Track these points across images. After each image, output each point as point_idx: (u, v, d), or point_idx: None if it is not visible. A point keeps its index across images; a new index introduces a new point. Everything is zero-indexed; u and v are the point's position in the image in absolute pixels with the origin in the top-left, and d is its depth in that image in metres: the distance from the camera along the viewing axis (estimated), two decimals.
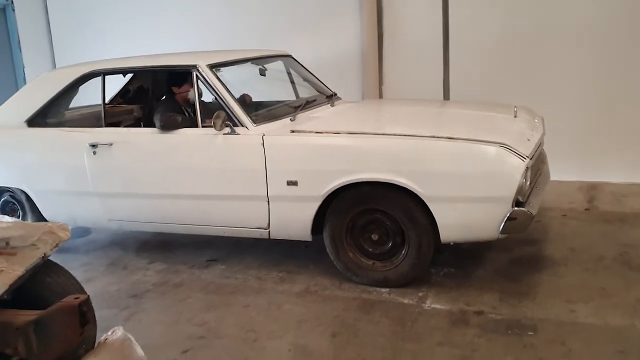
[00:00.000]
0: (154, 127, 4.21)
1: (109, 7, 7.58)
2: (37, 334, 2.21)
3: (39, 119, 4.59)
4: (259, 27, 6.83)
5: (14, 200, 4.86)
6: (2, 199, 4.90)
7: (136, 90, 5.57)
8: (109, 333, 2.76)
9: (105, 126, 4.44)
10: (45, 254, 2.47)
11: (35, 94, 4.71)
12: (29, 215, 4.75)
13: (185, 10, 7.19)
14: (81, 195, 4.42)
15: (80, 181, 4.37)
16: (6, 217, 2.97)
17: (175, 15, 7.26)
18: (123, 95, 5.48)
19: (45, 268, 2.54)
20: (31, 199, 4.66)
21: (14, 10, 7.46)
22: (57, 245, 2.54)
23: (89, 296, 2.34)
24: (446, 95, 6.05)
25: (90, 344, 2.65)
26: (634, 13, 5.44)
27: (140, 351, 2.80)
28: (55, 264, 2.65)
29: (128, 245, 4.79)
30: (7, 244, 2.44)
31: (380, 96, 6.37)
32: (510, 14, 5.85)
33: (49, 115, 4.65)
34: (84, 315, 2.30)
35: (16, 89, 7.50)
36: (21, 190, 4.69)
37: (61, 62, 7.90)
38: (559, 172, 5.71)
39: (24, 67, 7.57)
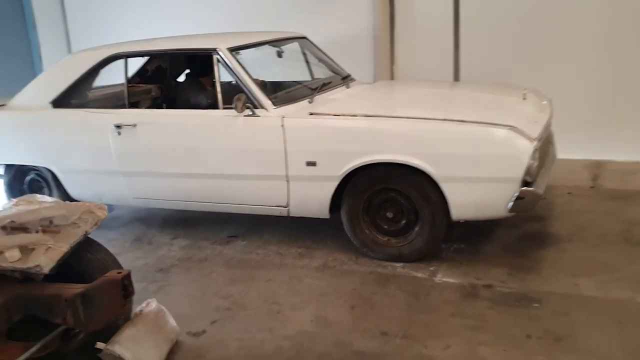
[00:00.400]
0: (175, 107, 4.38)
1: None
2: (84, 305, 2.43)
3: (63, 100, 4.74)
4: (271, 8, 6.90)
5: (40, 179, 5.05)
6: (29, 177, 5.09)
7: (154, 70, 5.71)
8: (144, 305, 2.99)
9: (121, 106, 4.62)
10: (86, 232, 2.67)
11: (60, 75, 4.84)
12: (55, 193, 4.93)
13: None
14: (106, 174, 4.60)
15: (106, 160, 4.54)
16: (47, 197, 3.15)
17: None
18: (141, 74, 5.63)
19: (85, 245, 2.75)
20: (57, 178, 4.85)
21: None
22: (96, 223, 2.74)
23: (130, 271, 2.55)
24: (456, 76, 6.18)
25: (127, 315, 2.87)
26: None
27: (172, 321, 3.04)
28: (94, 241, 2.85)
29: (151, 222, 4.98)
30: (51, 222, 2.64)
31: (392, 77, 6.47)
32: None
33: (73, 96, 4.79)
34: (126, 288, 2.51)
35: (32, 66, 7.68)
36: (47, 169, 4.87)
37: (75, 41, 8.02)
38: (565, 150, 5.83)
39: (39, 46, 7.69)
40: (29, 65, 7.66)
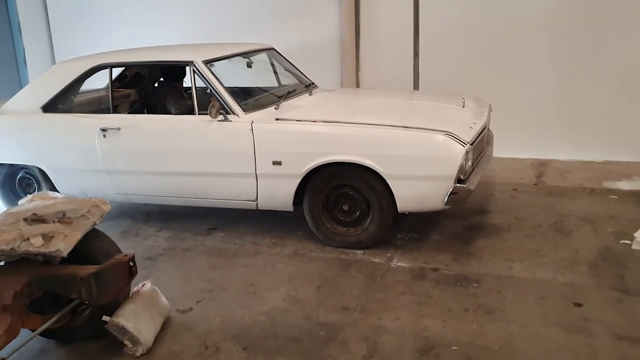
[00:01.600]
0: (155, 111, 4.84)
1: None
2: (97, 283, 2.91)
3: (53, 106, 5.15)
4: (244, 15, 7.40)
5: (29, 176, 5.46)
6: (19, 175, 5.50)
7: (133, 76, 6.16)
8: (140, 286, 3.48)
9: (103, 111, 5.07)
10: (94, 223, 3.14)
11: (50, 83, 5.22)
12: (43, 189, 5.35)
13: None
14: (92, 172, 5.01)
15: (92, 160, 4.96)
16: (57, 193, 3.58)
17: (165, 3, 7.78)
18: (120, 79, 6.06)
19: (92, 234, 3.21)
20: (46, 175, 5.24)
21: None
22: (102, 216, 3.21)
23: (134, 254, 3.04)
24: (416, 83, 6.78)
25: (127, 294, 3.36)
26: (583, 12, 6.17)
27: (164, 300, 3.54)
28: (99, 231, 3.32)
29: (136, 216, 5.43)
30: (64, 215, 3.11)
31: (357, 82, 7.03)
32: (474, 9, 6.51)
33: (61, 101, 5.20)
34: (131, 268, 3.00)
35: (17, 70, 8.02)
36: (37, 167, 5.26)
37: (58, 45, 8.41)
38: (514, 150, 6.55)
39: (24, 50, 8.06)
40: (14, 69, 8.01)
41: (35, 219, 3.03)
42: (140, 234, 5.02)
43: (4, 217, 3.05)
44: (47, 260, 2.97)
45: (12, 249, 2.87)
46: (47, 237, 2.90)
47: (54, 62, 8.45)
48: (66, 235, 2.93)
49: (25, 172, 5.45)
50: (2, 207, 5.56)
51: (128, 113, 5.53)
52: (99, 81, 5.60)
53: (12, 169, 5.46)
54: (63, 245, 2.89)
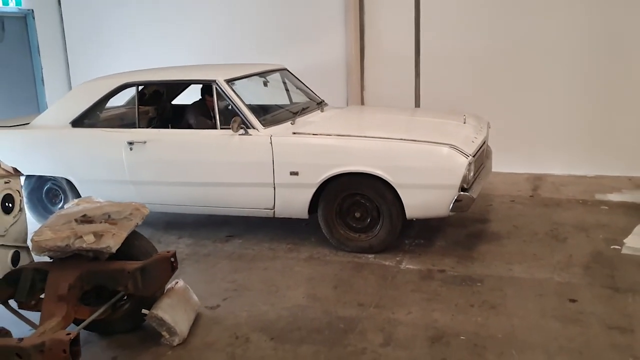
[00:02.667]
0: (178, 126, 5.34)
1: (117, 16, 8.49)
2: (142, 276, 3.24)
3: (81, 121, 5.52)
4: (255, 37, 7.82)
5: (56, 187, 5.80)
6: (46, 187, 5.83)
7: (151, 93, 6.52)
8: (174, 283, 3.81)
9: (131, 125, 5.43)
10: (137, 224, 3.48)
11: (78, 100, 5.59)
12: (70, 199, 5.67)
13: (189, 19, 8.12)
14: (118, 182, 5.36)
15: (118, 171, 5.31)
16: (99, 198, 3.91)
17: (179, 24, 8.18)
18: (140, 97, 6.41)
19: (133, 234, 3.54)
20: (73, 186, 5.59)
21: (34, 18, 8.33)
22: (142, 218, 3.55)
23: (175, 251, 3.37)
24: (417, 101, 7.17)
25: (162, 290, 3.68)
26: (573, 34, 6.60)
27: (195, 297, 3.87)
28: (139, 233, 3.65)
29: (157, 224, 5.74)
30: (109, 216, 3.45)
31: (362, 101, 7.43)
32: (472, 33, 6.94)
33: (89, 117, 5.58)
34: (172, 264, 3.33)
35: (35, 89, 8.39)
36: (65, 179, 5.61)
37: (74, 65, 8.82)
38: (510, 165, 6.93)
39: (42, 69, 8.43)
40: (32, 88, 8.38)
41: (85, 219, 3.37)
42: (162, 241, 5.34)
43: (56, 218, 3.39)
44: (96, 256, 3.30)
45: (67, 245, 3.20)
46: (97, 235, 3.23)
47: (69, 82, 8.84)
48: (114, 233, 3.26)
49: (53, 184, 5.78)
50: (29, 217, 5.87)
51: (150, 128, 5.88)
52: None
53: (40, 181, 5.78)
54: (112, 242, 3.22)
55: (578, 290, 3.97)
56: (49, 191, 5.85)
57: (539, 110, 6.91)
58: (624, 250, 4.62)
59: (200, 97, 5.84)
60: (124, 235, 3.32)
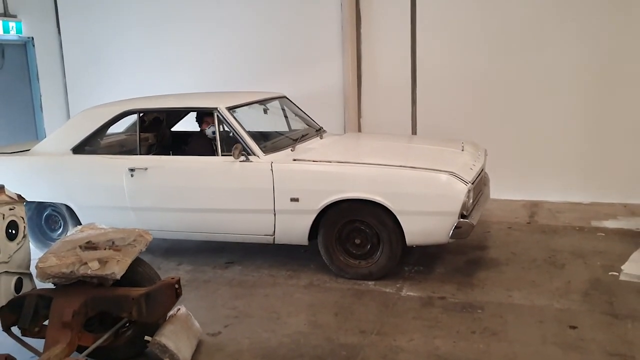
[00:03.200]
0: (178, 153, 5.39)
1: (116, 44, 8.59)
2: (147, 302, 3.25)
3: (82, 148, 5.54)
4: (255, 64, 7.92)
5: (56, 213, 5.81)
6: (46, 213, 5.84)
7: (151, 120, 6.57)
8: (176, 310, 3.81)
9: (132, 152, 5.47)
10: (141, 250, 3.50)
11: (80, 127, 5.62)
12: (70, 225, 5.69)
13: (189, 47, 8.23)
14: (119, 209, 5.37)
15: (119, 198, 5.32)
16: (103, 225, 3.93)
17: (178, 52, 8.28)
18: (140, 124, 6.46)
19: (136, 261, 3.55)
20: (73, 212, 5.59)
21: (34, 45, 8.42)
22: (146, 244, 3.57)
23: (180, 277, 3.39)
24: (414, 128, 7.25)
25: (165, 317, 3.68)
26: (570, 63, 6.73)
27: (197, 323, 3.87)
28: (142, 259, 3.66)
29: (156, 251, 5.74)
30: (113, 243, 3.47)
31: (359, 128, 7.51)
32: (467, 61, 7.05)
33: (90, 144, 5.61)
34: (177, 291, 3.35)
35: (33, 115, 8.44)
36: (65, 205, 5.62)
37: (72, 93, 8.90)
38: (508, 192, 7.00)
39: (40, 96, 8.50)
40: (30, 114, 8.43)
41: (89, 246, 3.39)
42: (161, 267, 5.34)
43: (61, 245, 3.41)
44: (100, 282, 3.31)
45: (71, 272, 3.22)
46: (102, 262, 3.25)
47: (68, 109, 8.90)
48: (119, 260, 3.28)
49: (52, 210, 5.79)
50: None
51: (151, 155, 5.91)
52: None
53: (40, 207, 5.79)
54: (117, 269, 3.24)
55: (578, 317, 4.00)
56: (48, 217, 5.86)
57: (534, 138, 7.00)
58: (622, 277, 4.66)
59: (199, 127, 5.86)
60: (129, 261, 3.34)
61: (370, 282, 4.73)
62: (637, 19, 6.41)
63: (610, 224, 6.06)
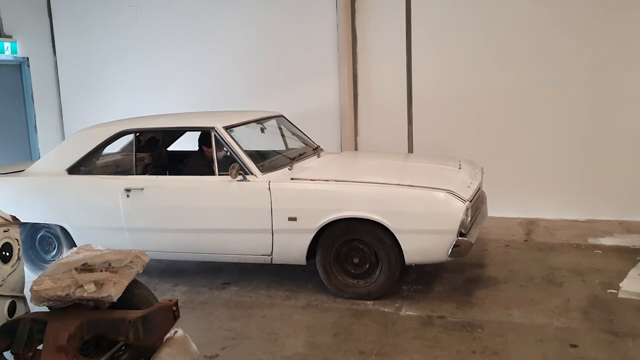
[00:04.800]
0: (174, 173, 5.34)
1: (112, 64, 8.61)
2: (144, 325, 3.20)
3: (78, 168, 5.51)
4: (252, 83, 7.96)
5: (50, 235, 5.75)
6: (40, 234, 5.79)
7: (147, 140, 6.55)
8: (173, 332, 3.74)
9: (128, 172, 5.44)
10: (138, 272, 3.45)
11: (75, 147, 5.59)
12: (64, 247, 5.64)
13: (185, 66, 8.25)
14: (114, 230, 5.32)
15: (115, 218, 5.28)
16: (98, 245, 3.88)
17: (174, 71, 8.30)
18: (136, 144, 6.44)
19: (133, 283, 3.50)
20: (67, 233, 5.55)
21: (29, 66, 8.42)
22: (143, 265, 3.52)
23: (177, 299, 3.34)
24: (410, 146, 7.26)
25: (162, 340, 3.62)
26: (563, 81, 6.76)
27: (194, 346, 3.80)
28: (138, 281, 3.61)
29: (151, 272, 5.69)
30: (110, 264, 3.42)
31: (356, 146, 7.51)
32: (463, 80, 7.09)
33: (86, 164, 5.57)
34: (174, 313, 3.30)
35: (28, 136, 8.41)
36: (59, 226, 5.57)
37: (67, 113, 8.88)
38: (504, 210, 6.99)
39: (35, 117, 8.47)
40: (25, 135, 8.40)
41: (85, 268, 3.34)
42: (157, 289, 5.28)
43: (56, 267, 3.36)
44: (96, 305, 3.26)
45: (67, 294, 3.16)
46: (98, 284, 3.20)
47: (62, 129, 8.88)
48: (115, 282, 3.23)
49: (47, 231, 5.74)
50: None
51: (147, 175, 5.88)
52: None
53: (34, 228, 5.74)
54: (114, 291, 3.19)
55: (578, 335, 3.97)
56: (42, 239, 5.80)
57: (530, 156, 7.02)
58: (621, 294, 4.64)
59: (198, 147, 5.84)
60: (126, 283, 3.29)
61: (369, 302, 4.69)
62: (632, 36, 6.46)
63: (607, 241, 6.06)
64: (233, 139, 5.14)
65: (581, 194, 6.89)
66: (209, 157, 5.43)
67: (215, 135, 5.12)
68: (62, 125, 8.91)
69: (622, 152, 6.68)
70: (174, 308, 3.30)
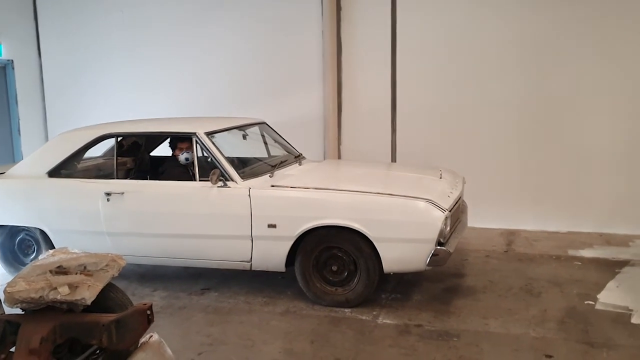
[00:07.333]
0: (156, 178, 5.32)
1: (96, 68, 8.58)
2: (117, 329, 3.18)
3: (58, 171, 5.48)
4: (237, 90, 7.96)
5: (29, 238, 5.71)
6: (19, 237, 5.74)
7: (130, 145, 6.53)
8: (148, 336, 3.72)
9: (109, 176, 5.43)
10: (113, 275, 3.44)
11: (56, 150, 5.56)
12: (43, 250, 5.59)
13: (169, 71, 8.24)
14: (94, 234, 5.29)
15: (94, 222, 5.25)
16: (76, 249, 3.86)
17: (158, 76, 8.29)
18: (118, 148, 6.41)
19: (108, 286, 3.49)
20: (47, 237, 5.51)
21: (13, 68, 8.37)
22: (119, 269, 3.51)
23: (152, 303, 3.32)
24: (393, 156, 7.29)
25: (136, 344, 3.60)
26: (547, 95, 6.84)
27: (169, 351, 3.78)
28: (114, 285, 3.60)
29: (130, 277, 5.66)
30: (85, 267, 3.41)
31: (339, 155, 7.53)
32: (447, 91, 7.16)
33: (66, 167, 5.54)
34: (149, 317, 3.28)
35: (11, 139, 8.35)
36: (38, 229, 5.53)
37: (51, 116, 8.83)
38: (485, 221, 7.03)
39: (19, 119, 8.42)
40: (8, 138, 8.34)
41: (60, 271, 3.32)
42: (136, 293, 5.26)
43: (31, 269, 3.33)
44: (70, 308, 3.24)
45: (40, 297, 3.14)
46: (72, 287, 3.18)
47: (46, 132, 8.83)
48: (90, 285, 3.21)
49: (26, 234, 5.70)
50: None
51: (129, 179, 5.86)
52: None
53: (13, 231, 5.70)
54: (87, 294, 3.17)
55: (553, 346, 3.99)
56: (21, 242, 5.76)
57: (511, 167, 7.08)
58: (598, 306, 4.68)
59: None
60: (100, 287, 3.27)
61: (346, 310, 4.69)
62: (608, 52, 6.56)
63: (586, 252, 6.11)
64: (214, 144, 5.14)
65: (562, 206, 6.95)
66: (178, 158, 5.45)
67: (196, 140, 5.12)
68: (46, 128, 8.85)
69: (603, 166, 6.75)
70: (148, 312, 3.28)
